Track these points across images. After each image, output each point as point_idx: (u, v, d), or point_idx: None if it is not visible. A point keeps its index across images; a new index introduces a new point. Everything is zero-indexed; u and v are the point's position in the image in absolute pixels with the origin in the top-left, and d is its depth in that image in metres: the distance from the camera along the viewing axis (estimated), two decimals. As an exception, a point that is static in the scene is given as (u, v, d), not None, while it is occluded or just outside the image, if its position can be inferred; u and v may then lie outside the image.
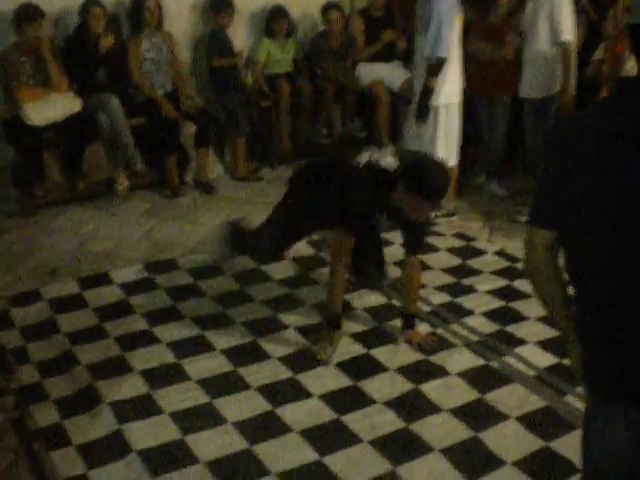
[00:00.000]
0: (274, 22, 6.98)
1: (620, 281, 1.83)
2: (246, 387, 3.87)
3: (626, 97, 1.86)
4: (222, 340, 4.28)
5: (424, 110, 5.67)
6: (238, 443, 3.45)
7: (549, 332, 4.25)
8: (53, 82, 5.98)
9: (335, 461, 3.33)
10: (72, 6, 6.25)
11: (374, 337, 4.33)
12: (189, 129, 6.61)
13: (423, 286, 4.66)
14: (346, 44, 7.15)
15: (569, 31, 5.62)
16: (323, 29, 7.27)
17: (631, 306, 1.82)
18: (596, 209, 1.83)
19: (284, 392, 3.83)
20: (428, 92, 5.62)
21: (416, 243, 4.25)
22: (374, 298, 4.76)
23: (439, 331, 4.38)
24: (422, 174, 3.78)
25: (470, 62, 5.98)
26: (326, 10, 7.14)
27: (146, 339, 4.31)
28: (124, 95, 6.32)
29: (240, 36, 7.10)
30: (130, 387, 3.86)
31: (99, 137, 6.16)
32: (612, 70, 5.26)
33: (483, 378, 3.94)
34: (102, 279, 5.01)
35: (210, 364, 4.04)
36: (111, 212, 6.14)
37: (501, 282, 4.97)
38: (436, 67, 5.55)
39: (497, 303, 4.70)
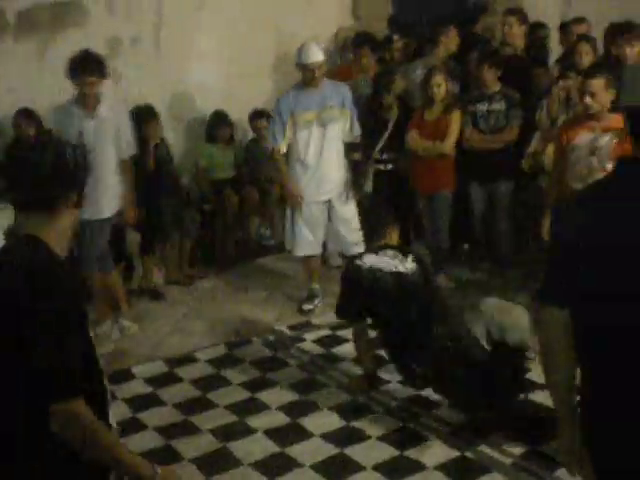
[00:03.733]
0: (216, 128, 7.06)
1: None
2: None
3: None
4: (190, 448, 4.18)
5: None
6: None
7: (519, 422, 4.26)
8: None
9: None
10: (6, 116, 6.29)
11: (344, 436, 4.27)
12: (134, 236, 6.54)
13: (387, 382, 4.68)
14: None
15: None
16: (253, 136, 7.38)
17: None
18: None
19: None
20: None
21: None
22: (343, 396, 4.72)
23: (410, 425, 4.34)
24: None
25: (411, 160, 6.16)
26: (254, 118, 7.27)
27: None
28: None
29: (180, 143, 7.16)
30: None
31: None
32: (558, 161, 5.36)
33: (461, 470, 3.91)
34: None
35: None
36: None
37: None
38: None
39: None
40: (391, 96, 6.43)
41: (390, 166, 6.50)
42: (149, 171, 6.60)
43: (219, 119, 7.06)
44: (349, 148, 6.09)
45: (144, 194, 6.75)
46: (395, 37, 7.44)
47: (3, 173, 2.28)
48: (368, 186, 6.49)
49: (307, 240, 6.02)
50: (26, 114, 6.21)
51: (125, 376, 5.05)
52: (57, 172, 2.16)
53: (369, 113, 6.44)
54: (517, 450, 4.02)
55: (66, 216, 2.21)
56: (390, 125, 6.45)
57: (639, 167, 2.04)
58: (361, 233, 5.54)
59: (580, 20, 6.97)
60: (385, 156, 6.49)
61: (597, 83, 4.92)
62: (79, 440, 2.06)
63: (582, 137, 5.05)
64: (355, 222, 5.91)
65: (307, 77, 5.74)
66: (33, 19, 6.53)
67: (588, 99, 4.96)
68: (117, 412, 4.51)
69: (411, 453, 4.07)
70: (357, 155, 6.27)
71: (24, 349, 2.04)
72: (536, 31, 7.11)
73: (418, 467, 3.94)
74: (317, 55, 5.71)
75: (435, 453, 4.06)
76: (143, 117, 6.67)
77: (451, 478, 3.84)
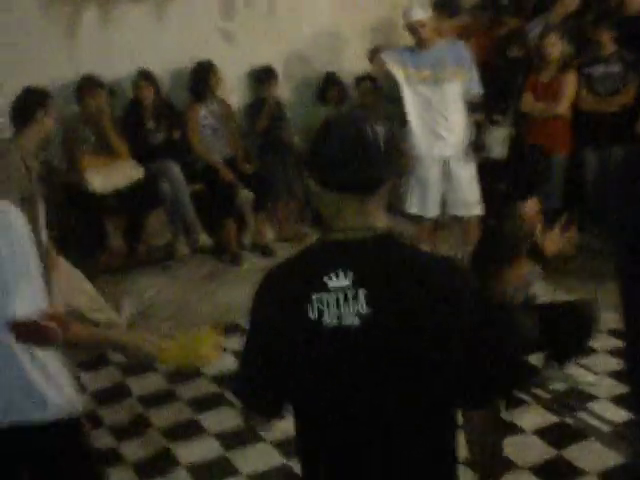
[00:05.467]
0: (327, 89, 7.11)
1: None
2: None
3: None
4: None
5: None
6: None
7: (620, 388, 4.22)
8: (115, 151, 6.14)
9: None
10: (124, 77, 6.50)
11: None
12: (246, 194, 6.72)
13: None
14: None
15: None
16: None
17: None
18: None
19: None
20: None
21: None
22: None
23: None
24: None
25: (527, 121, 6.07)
26: (359, 82, 7.21)
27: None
28: (183, 162, 6.48)
29: (293, 104, 7.26)
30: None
31: (161, 204, 6.30)
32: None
33: (559, 435, 3.92)
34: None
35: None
36: (172, 276, 6.24)
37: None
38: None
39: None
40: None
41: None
42: (264, 129, 6.80)
43: (330, 80, 7.11)
44: (470, 108, 5.81)
45: (258, 152, 6.96)
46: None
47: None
48: (496, 151, 6.18)
49: (419, 199, 5.83)
50: (146, 76, 6.44)
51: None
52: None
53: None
54: (617, 418, 4.00)
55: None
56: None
57: None
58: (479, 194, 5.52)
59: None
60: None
61: None
62: None
63: None
64: (474, 184, 5.76)
65: (415, 37, 5.60)
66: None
67: None
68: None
69: (509, 416, 4.09)
70: (478, 116, 6.05)
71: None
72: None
73: (516, 430, 3.97)
74: (418, 13, 5.48)
75: (534, 418, 4.07)
76: (262, 77, 6.85)
77: (548, 443, 3.85)
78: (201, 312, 5.57)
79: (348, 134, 1.89)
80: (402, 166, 1.98)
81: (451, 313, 1.84)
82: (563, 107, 6.14)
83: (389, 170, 1.91)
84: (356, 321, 1.85)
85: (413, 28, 5.54)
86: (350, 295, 1.86)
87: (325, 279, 1.88)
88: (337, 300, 1.87)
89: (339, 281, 1.87)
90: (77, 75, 6.17)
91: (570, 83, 6.12)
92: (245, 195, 6.73)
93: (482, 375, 1.90)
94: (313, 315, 1.88)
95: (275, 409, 2.08)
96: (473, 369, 1.89)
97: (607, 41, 6.06)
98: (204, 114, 6.61)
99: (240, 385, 2.14)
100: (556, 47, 6.08)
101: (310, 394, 1.97)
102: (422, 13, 5.53)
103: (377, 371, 1.87)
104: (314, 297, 1.88)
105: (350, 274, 1.87)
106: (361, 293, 1.85)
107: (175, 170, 6.29)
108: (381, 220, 1.93)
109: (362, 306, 1.85)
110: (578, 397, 4.25)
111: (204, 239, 6.65)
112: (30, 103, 4.27)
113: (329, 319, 1.87)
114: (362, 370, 1.88)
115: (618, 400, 4.14)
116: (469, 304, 1.86)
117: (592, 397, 4.23)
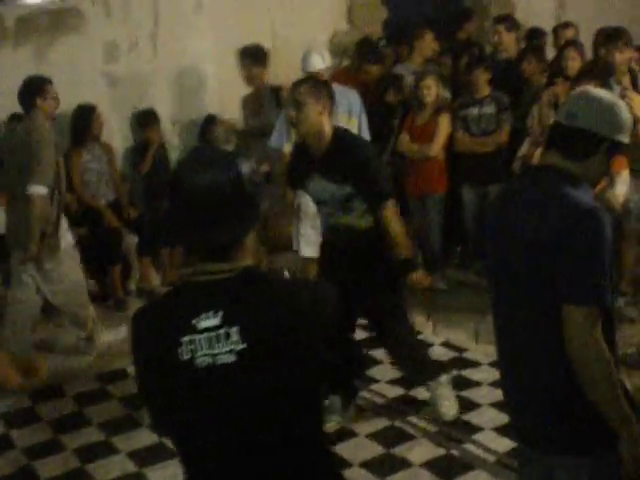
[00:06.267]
0: (209, 131, 7.09)
1: None
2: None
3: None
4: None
5: None
6: None
7: (504, 418, 4.34)
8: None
9: None
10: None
11: (332, 434, 4.36)
12: (131, 239, 6.65)
13: (377, 381, 4.76)
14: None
15: None
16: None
17: None
18: None
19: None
20: None
21: (376, 190, 4.09)
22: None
23: (397, 424, 4.45)
24: None
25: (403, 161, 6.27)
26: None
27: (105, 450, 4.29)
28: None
29: (178, 146, 7.26)
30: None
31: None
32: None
33: (446, 467, 4.01)
34: (55, 391, 4.97)
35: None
36: (57, 324, 6.08)
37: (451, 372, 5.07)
38: None
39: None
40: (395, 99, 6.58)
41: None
42: (147, 173, 6.76)
43: (210, 122, 7.09)
44: None
45: (142, 195, 6.91)
46: (382, 42, 7.54)
47: None
48: None
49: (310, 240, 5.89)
50: (18, 119, 6.29)
51: (120, 375, 5.17)
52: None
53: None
54: (501, 448, 4.12)
55: None
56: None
57: (537, 173, 2.50)
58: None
59: (567, 25, 7.11)
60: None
61: None
62: None
63: None
64: None
65: None
66: (32, 24, 6.63)
67: None
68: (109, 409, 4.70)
69: (398, 451, 4.17)
70: None
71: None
72: (533, 36, 7.21)
73: (405, 464, 4.04)
74: (319, 63, 5.74)
75: (422, 451, 4.16)
76: (144, 120, 6.82)
77: (437, 476, 3.94)
78: (86, 360, 5.47)
79: (199, 187, 1.88)
80: (263, 211, 2.00)
81: (314, 331, 1.91)
82: (436, 149, 6.37)
83: (249, 223, 1.95)
84: (232, 358, 1.88)
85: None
86: (222, 334, 1.89)
87: (194, 321, 1.90)
88: (209, 340, 1.89)
89: (209, 321, 1.90)
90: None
91: (443, 125, 6.36)
92: (130, 240, 6.67)
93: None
94: (185, 357, 1.90)
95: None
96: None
97: (481, 84, 6.33)
98: (88, 158, 6.53)
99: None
100: (432, 90, 6.31)
101: (188, 433, 1.99)
102: (322, 62, 5.75)
103: (257, 405, 1.91)
104: (184, 339, 1.90)
105: (219, 313, 1.89)
106: (233, 331, 1.88)
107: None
108: (242, 258, 1.96)
109: (237, 342, 1.88)
110: (464, 428, 4.36)
111: (88, 284, 6.52)
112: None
113: (201, 360, 1.90)
114: (242, 405, 1.91)
115: (501, 430, 4.27)
116: (326, 318, 1.94)
117: (477, 428, 4.35)
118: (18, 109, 6.32)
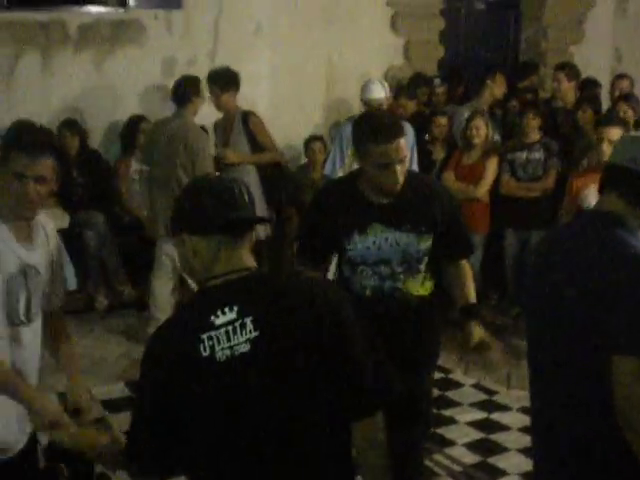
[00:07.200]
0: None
1: None
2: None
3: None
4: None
5: None
6: None
7: (530, 464, 4.29)
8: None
9: None
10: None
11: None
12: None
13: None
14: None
15: None
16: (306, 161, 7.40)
17: None
18: None
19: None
20: None
21: (466, 238, 3.61)
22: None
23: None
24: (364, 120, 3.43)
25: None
26: (310, 141, 7.18)
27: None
28: (111, 214, 6.44)
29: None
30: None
31: (84, 253, 6.22)
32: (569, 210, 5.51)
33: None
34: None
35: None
36: (90, 329, 6.13)
37: (480, 414, 5.03)
38: None
39: (477, 435, 4.76)
40: (431, 137, 6.55)
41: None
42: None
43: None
44: None
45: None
46: (436, 81, 7.58)
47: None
48: None
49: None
50: (70, 125, 6.41)
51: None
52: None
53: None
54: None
55: None
56: (437, 165, 6.57)
57: (590, 218, 2.44)
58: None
59: (621, 77, 7.11)
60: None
61: (615, 132, 4.97)
62: None
63: (591, 188, 5.09)
64: None
65: None
66: (94, 33, 6.76)
67: (605, 146, 4.97)
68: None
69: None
70: None
71: None
72: (587, 87, 7.20)
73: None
74: (379, 92, 5.90)
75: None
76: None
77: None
78: (118, 367, 5.50)
79: (218, 187, 2.13)
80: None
81: (332, 322, 2.05)
82: (483, 191, 6.35)
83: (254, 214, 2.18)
84: (247, 347, 2.01)
85: (371, 105, 5.83)
86: (238, 325, 2.02)
87: (212, 318, 2.02)
88: (227, 333, 2.02)
89: (226, 316, 2.03)
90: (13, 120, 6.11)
91: (491, 168, 6.34)
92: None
93: (363, 383, 2.08)
94: (205, 353, 2.00)
95: (169, 470, 2.18)
96: (354, 377, 2.08)
97: (532, 129, 6.32)
98: (136, 169, 6.60)
99: (134, 449, 2.14)
100: (481, 131, 6.31)
101: (213, 427, 2.04)
102: (382, 92, 5.90)
103: (273, 391, 2.01)
104: (204, 336, 2.01)
105: (235, 308, 2.03)
106: (248, 320, 2.02)
107: (100, 220, 6.26)
108: (251, 261, 2.13)
109: (250, 331, 2.01)
110: (489, 472, 4.31)
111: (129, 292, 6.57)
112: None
113: (221, 353, 2.01)
114: (259, 392, 2.01)
115: (527, 476, 4.17)
116: (348, 313, 2.10)
117: (502, 472, 4.30)
118: (73, 114, 6.47)
